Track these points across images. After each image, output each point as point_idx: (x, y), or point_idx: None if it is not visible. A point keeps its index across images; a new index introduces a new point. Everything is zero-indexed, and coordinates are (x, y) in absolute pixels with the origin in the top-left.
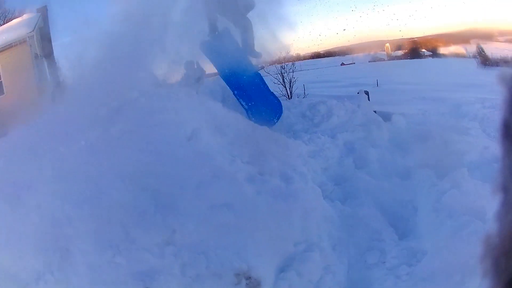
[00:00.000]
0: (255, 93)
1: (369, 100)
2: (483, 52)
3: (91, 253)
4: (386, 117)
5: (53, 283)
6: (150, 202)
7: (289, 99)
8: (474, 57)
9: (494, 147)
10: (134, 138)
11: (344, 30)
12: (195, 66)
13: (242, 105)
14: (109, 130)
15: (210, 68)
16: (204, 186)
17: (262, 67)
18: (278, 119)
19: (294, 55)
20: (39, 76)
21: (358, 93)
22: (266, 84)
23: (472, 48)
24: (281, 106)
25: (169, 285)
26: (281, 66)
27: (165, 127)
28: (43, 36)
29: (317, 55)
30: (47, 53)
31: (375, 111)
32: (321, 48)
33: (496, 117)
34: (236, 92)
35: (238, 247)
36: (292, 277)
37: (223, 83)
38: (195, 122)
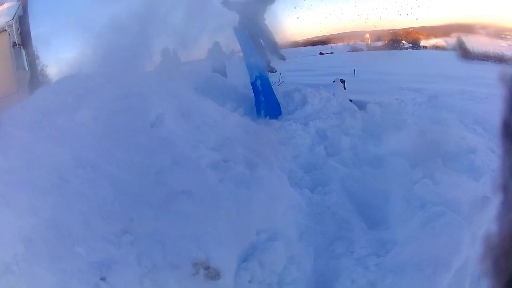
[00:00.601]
0: (267, 90)
1: (344, 88)
2: (464, 45)
3: (53, 243)
4: (361, 105)
5: (18, 275)
6: (110, 189)
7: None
8: (454, 50)
9: (471, 138)
10: (97, 124)
11: (326, 19)
12: (171, 54)
13: (258, 97)
14: (73, 117)
15: (185, 57)
16: (163, 173)
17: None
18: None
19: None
20: (16, 65)
21: (334, 81)
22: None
23: (452, 41)
24: (280, 108)
25: (124, 275)
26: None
27: (129, 113)
28: (22, 25)
29: (295, 44)
30: (26, 42)
31: (350, 100)
32: (300, 37)
33: (474, 109)
34: (255, 83)
35: (197, 236)
36: (254, 268)
37: (199, 70)
38: (161, 108)
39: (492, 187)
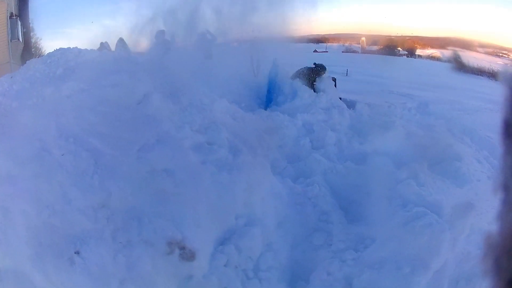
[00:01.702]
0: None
1: (335, 86)
2: (459, 58)
3: (30, 213)
4: (351, 104)
5: None
6: (90, 162)
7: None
8: (449, 62)
9: (458, 146)
10: (84, 97)
11: (322, 17)
12: (165, 36)
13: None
14: (60, 88)
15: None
16: (146, 150)
17: None
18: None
19: (267, 36)
20: (11, 36)
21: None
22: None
23: (448, 53)
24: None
25: (98, 249)
26: (251, 45)
27: (117, 88)
28: None
29: (290, 40)
30: (23, 13)
31: (340, 98)
32: (295, 33)
33: (464, 120)
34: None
35: (174, 215)
36: (231, 251)
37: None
38: (149, 86)
39: (478, 196)
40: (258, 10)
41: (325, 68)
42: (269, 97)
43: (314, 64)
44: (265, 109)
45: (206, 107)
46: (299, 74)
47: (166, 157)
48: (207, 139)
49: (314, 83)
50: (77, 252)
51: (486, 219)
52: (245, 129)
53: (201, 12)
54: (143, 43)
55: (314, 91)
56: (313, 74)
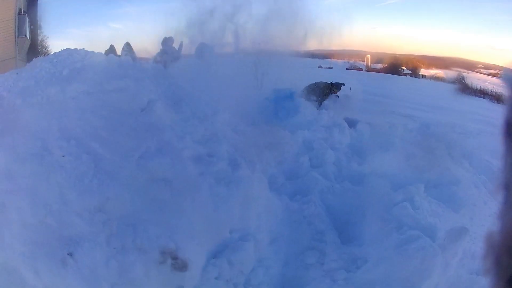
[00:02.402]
0: None
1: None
2: (464, 80)
3: (26, 211)
4: (352, 123)
5: None
6: (90, 166)
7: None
8: (453, 83)
9: (456, 170)
10: (88, 100)
11: (329, 34)
12: (173, 44)
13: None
14: (65, 89)
15: (186, 50)
16: (146, 158)
17: None
18: None
19: (273, 49)
20: (18, 32)
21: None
22: None
23: (452, 74)
24: None
25: (92, 253)
26: (257, 58)
27: (121, 94)
28: None
29: (295, 54)
30: (31, 10)
31: (344, 118)
32: (301, 48)
33: (464, 143)
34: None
35: (169, 225)
36: (223, 265)
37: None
38: (153, 94)
39: (473, 220)
40: (265, 23)
41: (340, 87)
42: (274, 110)
43: (331, 83)
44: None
45: (208, 118)
46: (314, 87)
47: (166, 166)
48: (208, 150)
49: (325, 98)
50: (70, 254)
51: (479, 244)
52: (245, 143)
53: (210, 23)
54: (150, 49)
55: (320, 106)
56: (327, 90)
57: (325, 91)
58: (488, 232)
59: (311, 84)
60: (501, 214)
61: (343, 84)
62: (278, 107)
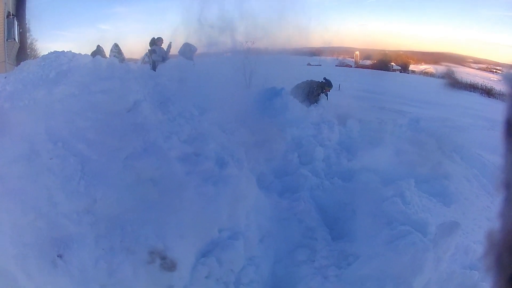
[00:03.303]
0: None
1: (327, 99)
2: (453, 74)
3: (15, 213)
4: (341, 120)
5: None
6: (77, 168)
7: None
8: (443, 77)
9: (447, 165)
10: (74, 102)
11: (316, 31)
12: (161, 45)
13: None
14: (52, 92)
15: (174, 50)
16: (133, 158)
17: None
18: None
19: (261, 48)
20: (7, 36)
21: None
22: None
23: (442, 68)
24: None
25: (81, 254)
26: (245, 57)
27: (107, 95)
28: None
29: (283, 52)
30: (20, 14)
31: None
32: (289, 45)
33: (454, 137)
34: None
35: (157, 225)
36: (212, 264)
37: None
38: (139, 94)
39: (465, 215)
40: (253, 21)
41: (332, 85)
42: (263, 108)
43: (324, 78)
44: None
45: (195, 118)
46: (305, 85)
47: (153, 166)
48: (194, 150)
49: (318, 97)
50: (60, 256)
51: (472, 238)
52: (233, 142)
53: (197, 22)
54: (138, 49)
55: (310, 103)
56: (319, 89)
57: (317, 90)
58: (488, 231)
59: (301, 82)
60: (501, 212)
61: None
62: (266, 105)
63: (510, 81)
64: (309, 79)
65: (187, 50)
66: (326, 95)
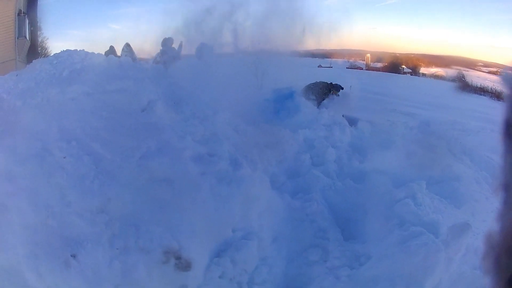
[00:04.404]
0: None
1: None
2: (464, 78)
3: (27, 212)
4: (353, 122)
5: None
6: (91, 167)
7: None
8: (453, 81)
9: (457, 167)
10: (88, 101)
11: (329, 33)
12: (173, 45)
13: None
14: (65, 90)
15: (186, 50)
16: (147, 158)
17: None
18: None
19: (272, 49)
20: (18, 34)
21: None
22: None
23: (452, 72)
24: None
25: (95, 254)
26: (257, 57)
27: (121, 94)
28: None
29: (295, 54)
30: (31, 12)
31: (343, 115)
32: (301, 47)
33: (464, 140)
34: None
35: (172, 224)
36: (226, 264)
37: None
38: (153, 94)
39: (475, 216)
40: (265, 23)
41: (340, 89)
42: (275, 110)
43: (331, 83)
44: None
45: (208, 118)
46: (313, 87)
47: (167, 166)
48: (208, 150)
49: (324, 98)
50: (73, 255)
51: (482, 239)
52: (246, 142)
53: (209, 23)
54: (150, 49)
55: (319, 105)
56: (327, 90)
57: (324, 91)
58: (487, 233)
59: (310, 84)
60: (501, 214)
61: (342, 88)
62: (278, 106)
63: (509, 82)
64: (318, 81)
65: (204, 51)
66: (337, 95)
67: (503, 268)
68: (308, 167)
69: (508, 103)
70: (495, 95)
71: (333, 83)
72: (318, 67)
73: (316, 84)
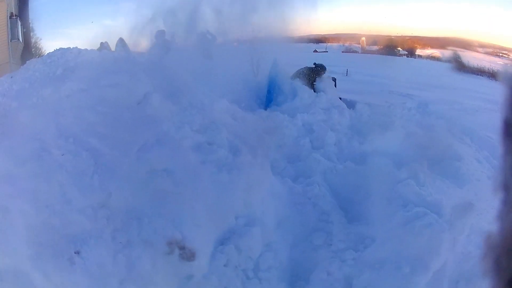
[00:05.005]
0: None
1: (335, 86)
2: (459, 58)
3: (29, 213)
4: (351, 104)
5: None
6: (90, 163)
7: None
8: (449, 62)
9: (458, 146)
10: (83, 97)
11: (322, 17)
12: (165, 37)
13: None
14: (60, 88)
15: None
16: (145, 150)
17: None
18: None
19: (266, 35)
20: (11, 36)
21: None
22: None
23: (448, 53)
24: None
25: (98, 249)
26: (251, 45)
27: (116, 88)
28: None
29: (290, 40)
30: (23, 14)
31: (340, 98)
32: (296, 33)
33: (463, 120)
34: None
35: (174, 215)
36: (230, 251)
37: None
38: (148, 86)
39: (478, 196)
40: (258, 10)
41: (325, 68)
42: (269, 97)
43: (314, 64)
44: (265, 109)
45: (206, 107)
46: (299, 74)
47: (166, 157)
48: (207, 139)
49: (314, 83)
50: (77, 252)
51: (486, 218)
52: (245, 129)
53: (201, 11)
54: (143, 43)
55: (314, 91)
56: (313, 74)
57: (311, 75)
58: (487, 234)
59: (296, 71)
60: (500, 215)
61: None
62: (275, 92)
63: (508, 81)
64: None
65: (205, 41)
66: (335, 83)
67: (503, 269)
68: (309, 151)
69: (507, 104)
70: (492, 76)
71: (316, 63)
72: (313, 52)
73: (301, 70)
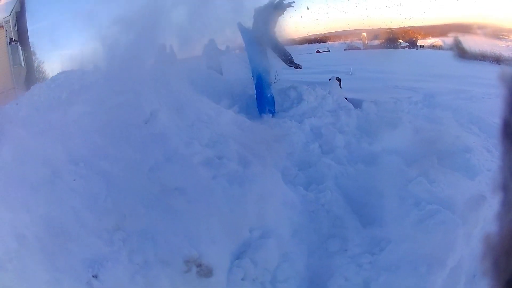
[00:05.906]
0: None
1: (340, 87)
2: (461, 44)
3: (45, 240)
4: (357, 104)
5: (12, 272)
6: (102, 186)
7: None
8: (451, 49)
9: (466, 137)
10: (90, 120)
11: (324, 17)
12: (168, 50)
13: (260, 94)
14: (67, 113)
15: (182, 54)
16: (156, 170)
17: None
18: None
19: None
20: (13, 62)
21: (329, 79)
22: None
23: (449, 40)
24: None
25: (116, 272)
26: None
27: (123, 109)
28: (19, 21)
29: (292, 42)
30: (23, 38)
31: (346, 98)
32: (296, 35)
33: (470, 109)
34: (259, 81)
35: (189, 233)
36: (247, 265)
37: (192, 67)
38: (155, 104)
39: (489, 186)
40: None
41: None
42: (263, 100)
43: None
44: (260, 113)
45: (213, 120)
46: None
47: (177, 175)
48: (217, 153)
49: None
50: (95, 276)
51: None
52: (253, 140)
53: (202, 21)
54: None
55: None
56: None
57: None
58: (486, 234)
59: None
60: (499, 216)
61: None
62: (281, 98)
63: (507, 81)
64: None
65: (213, 51)
66: (340, 84)
67: (502, 270)
68: (318, 156)
69: (507, 104)
70: (494, 60)
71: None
72: (316, 52)
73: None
